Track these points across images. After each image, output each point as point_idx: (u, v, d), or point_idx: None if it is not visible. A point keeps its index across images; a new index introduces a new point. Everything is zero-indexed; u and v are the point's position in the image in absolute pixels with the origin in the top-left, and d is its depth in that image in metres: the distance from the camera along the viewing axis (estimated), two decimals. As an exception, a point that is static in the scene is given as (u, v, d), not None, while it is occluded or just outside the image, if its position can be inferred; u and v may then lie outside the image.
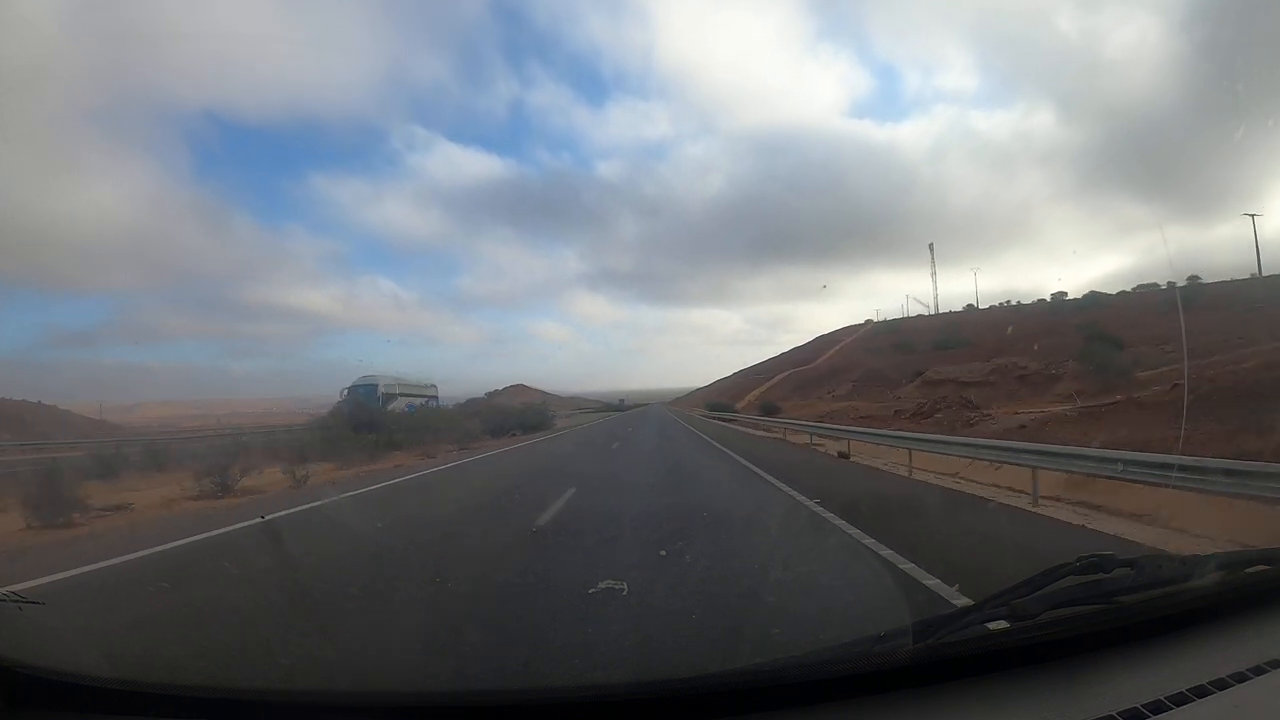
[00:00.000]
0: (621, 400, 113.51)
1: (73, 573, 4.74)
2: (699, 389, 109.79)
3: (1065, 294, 57.33)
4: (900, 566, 4.15)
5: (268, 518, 6.90)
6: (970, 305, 68.76)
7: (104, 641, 3.07)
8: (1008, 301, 65.84)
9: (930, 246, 76.38)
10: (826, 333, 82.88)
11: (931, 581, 3.77)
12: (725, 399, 62.05)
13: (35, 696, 1.27)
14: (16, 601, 2.04)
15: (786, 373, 65.93)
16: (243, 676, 2.53)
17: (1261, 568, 1.57)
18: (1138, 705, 1.13)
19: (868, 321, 78.99)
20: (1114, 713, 1.12)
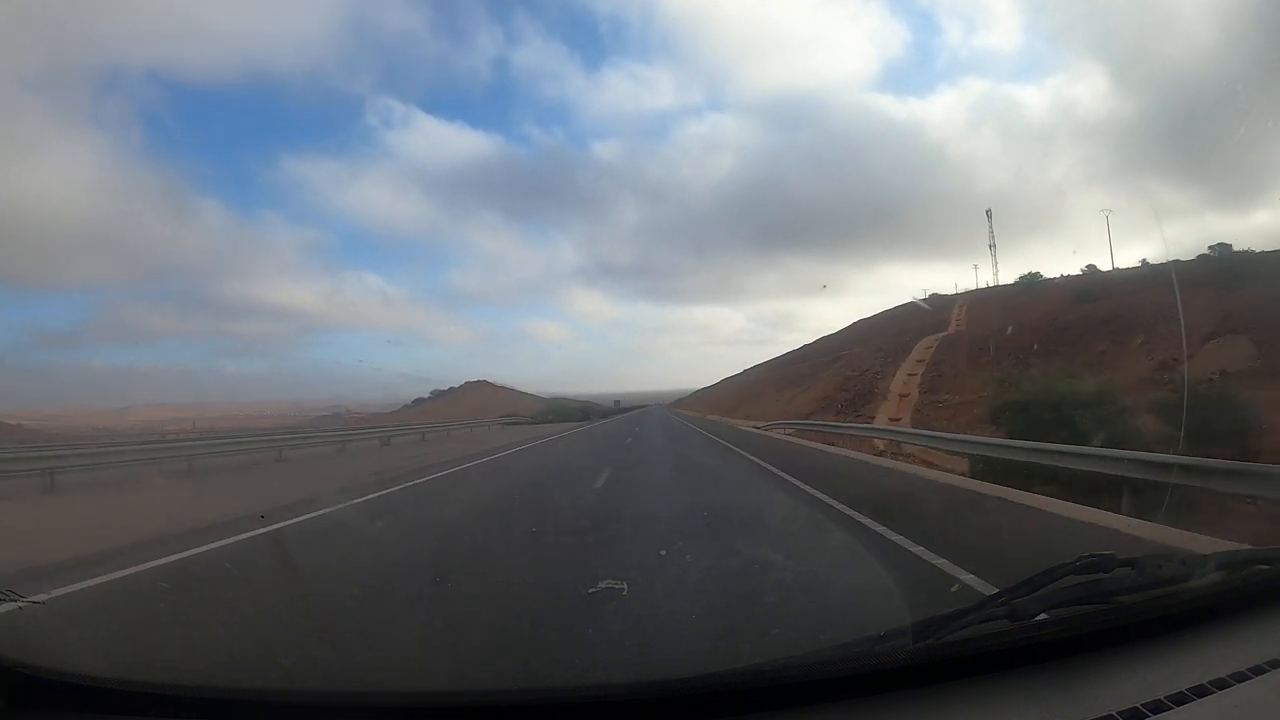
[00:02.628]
0: (617, 401, 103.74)
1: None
2: (705, 388, 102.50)
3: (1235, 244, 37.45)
4: None
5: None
6: (1091, 265, 49.57)
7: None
8: (1143, 261, 46.08)
9: (988, 213, 64.14)
10: (872, 314, 61.95)
11: None
12: (767, 400, 38.56)
13: (35, 696, 1.28)
14: (17, 601, 2.05)
15: (930, 340, 37.36)
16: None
17: (1261, 567, 1.57)
18: (1138, 705, 1.13)
19: (930, 294, 57.08)
20: (1114, 712, 1.12)
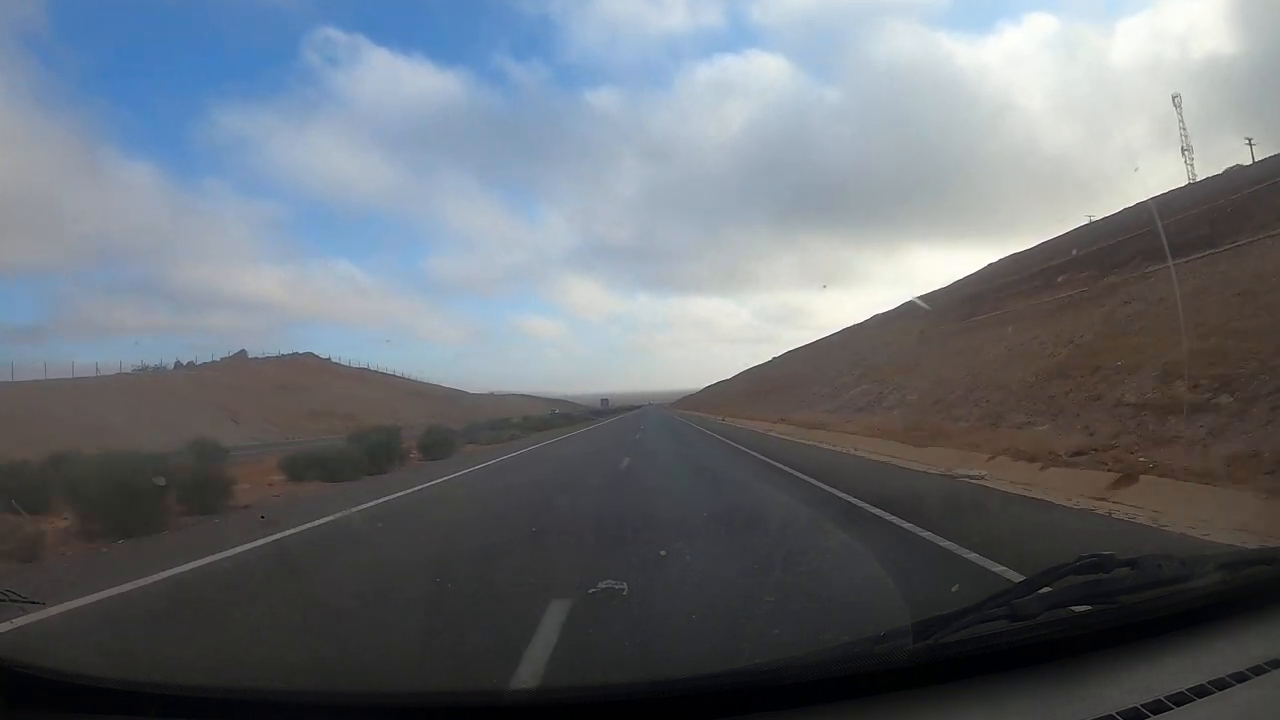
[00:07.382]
0: (604, 400, 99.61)
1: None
2: (718, 383, 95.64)
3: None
4: None
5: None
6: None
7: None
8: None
9: (1174, 99, 42.78)
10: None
11: None
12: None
13: (35, 696, 1.27)
14: (17, 601, 2.04)
15: None
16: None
17: (1262, 567, 1.57)
18: (1138, 705, 1.13)
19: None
20: (1114, 713, 1.12)
